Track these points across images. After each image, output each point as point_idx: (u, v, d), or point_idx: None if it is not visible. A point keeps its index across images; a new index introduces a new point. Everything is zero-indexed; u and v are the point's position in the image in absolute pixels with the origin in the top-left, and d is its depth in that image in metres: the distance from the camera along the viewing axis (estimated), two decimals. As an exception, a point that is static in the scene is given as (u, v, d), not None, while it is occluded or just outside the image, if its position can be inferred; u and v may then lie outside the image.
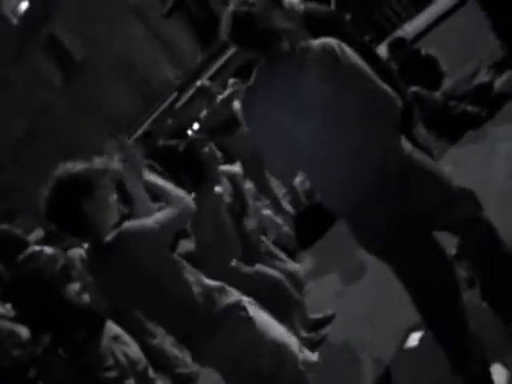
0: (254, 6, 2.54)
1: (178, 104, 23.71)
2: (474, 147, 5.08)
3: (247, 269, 4.36)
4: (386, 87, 2.50)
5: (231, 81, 7.27)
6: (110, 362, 4.33)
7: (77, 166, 2.82)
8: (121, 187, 3.21)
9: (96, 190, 2.79)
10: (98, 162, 2.91)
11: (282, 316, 4.26)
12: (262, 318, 2.87)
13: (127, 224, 2.73)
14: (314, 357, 3.85)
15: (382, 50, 6.59)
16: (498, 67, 5.90)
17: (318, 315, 4.64)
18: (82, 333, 4.31)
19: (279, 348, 2.81)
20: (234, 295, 2.84)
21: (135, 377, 4.44)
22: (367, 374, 3.74)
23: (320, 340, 4.43)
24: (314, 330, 4.52)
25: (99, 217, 2.77)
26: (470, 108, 5.51)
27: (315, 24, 3.04)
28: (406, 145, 2.56)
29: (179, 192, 2.82)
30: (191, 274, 2.83)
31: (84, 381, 4.72)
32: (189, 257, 5.74)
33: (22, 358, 4.91)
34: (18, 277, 4.49)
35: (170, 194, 2.83)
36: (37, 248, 4.50)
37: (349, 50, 2.47)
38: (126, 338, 4.51)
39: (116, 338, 4.39)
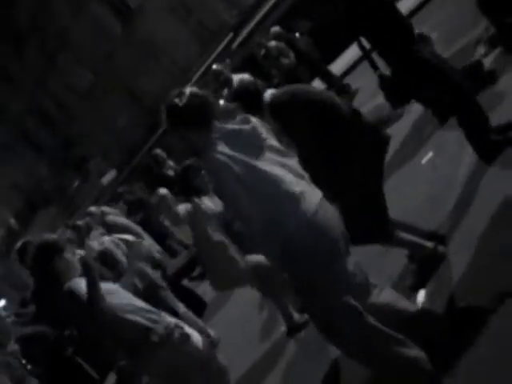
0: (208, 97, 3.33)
1: (234, 44, 23.95)
2: (454, 134, 5.32)
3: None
4: None
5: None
6: None
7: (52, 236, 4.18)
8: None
9: (63, 253, 3.91)
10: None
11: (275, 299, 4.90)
12: None
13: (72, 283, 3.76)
14: None
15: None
16: (491, 43, 6.06)
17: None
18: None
19: None
20: None
21: None
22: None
23: (304, 322, 4.96)
24: (301, 312, 5.05)
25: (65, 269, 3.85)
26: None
27: None
28: None
29: None
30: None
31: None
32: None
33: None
34: (39, 284, 5.29)
35: None
36: None
37: None
38: None
39: None
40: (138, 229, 7.19)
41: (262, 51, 12.85)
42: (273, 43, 12.36)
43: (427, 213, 4.56)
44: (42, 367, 6.34)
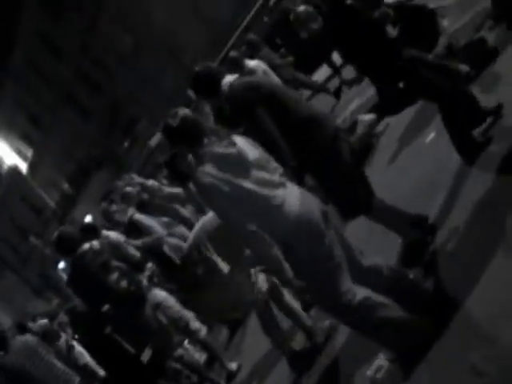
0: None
1: (272, 1, 23.92)
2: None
3: None
4: None
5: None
6: (155, 325, 5.61)
7: None
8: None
9: None
10: None
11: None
12: None
13: None
14: None
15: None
16: (495, 18, 6.17)
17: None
18: (124, 309, 5.61)
19: None
20: None
21: (179, 332, 5.74)
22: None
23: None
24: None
25: None
26: (460, 67, 5.84)
27: None
28: None
29: None
30: None
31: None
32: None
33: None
34: (73, 271, 5.82)
35: None
36: (86, 246, 5.73)
37: None
38: (169, 301, 5.77)
39: (158, 305, 5.66)
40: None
41: (291, 16, 12.96)
42: (301, 8, 12.44)
43: (421, 196, 4.84)
44: (87, 340, 6.93)
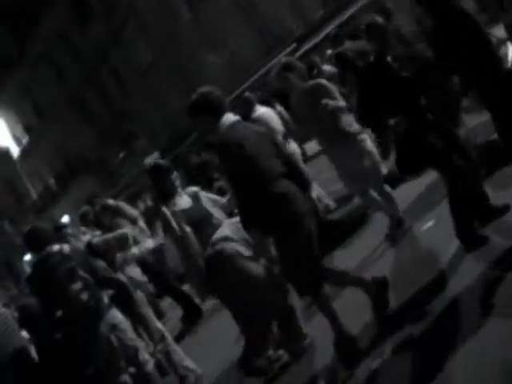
0: None
1: (297, 54, 24.17)
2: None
3: None
4: None
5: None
6: (105, 345, 5.37)
7: None
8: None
9: None
10: None
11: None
12: None
13: None
14: None
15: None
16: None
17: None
18: (78, 321, 5.36)
19: None
20: None
21: (127, 359, 5.49)
22: None
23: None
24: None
25: None
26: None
27: None
28: None
29: None
30: None
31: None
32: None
33: None
34: (36, 270, 5.57)
35: None
36: (56, 247, 5.47)
37: None
38: (125, 324, 5.53)
39: (114, 326, 5.41)
40: None
41: (315, 70, 13.00)
42: (326, 67, 12.47)
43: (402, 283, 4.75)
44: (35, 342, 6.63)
